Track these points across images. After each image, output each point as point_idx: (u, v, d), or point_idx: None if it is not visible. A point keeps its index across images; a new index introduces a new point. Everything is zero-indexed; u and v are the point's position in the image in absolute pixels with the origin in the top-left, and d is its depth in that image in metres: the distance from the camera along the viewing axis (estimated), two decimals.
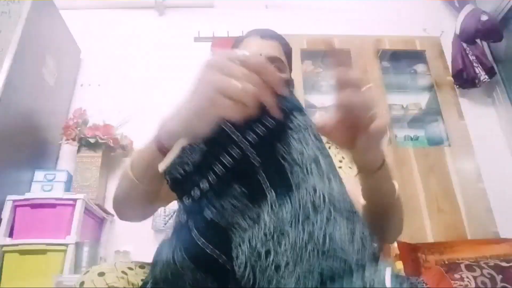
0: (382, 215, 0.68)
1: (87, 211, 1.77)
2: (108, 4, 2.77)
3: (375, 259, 0.47)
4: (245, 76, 0.47)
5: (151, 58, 2.57)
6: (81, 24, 2.55)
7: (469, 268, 1.59)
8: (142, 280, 0.68)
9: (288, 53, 0.99)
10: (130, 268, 0.69)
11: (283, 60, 0.95)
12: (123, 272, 0.68)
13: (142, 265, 0.72)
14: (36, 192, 1.80)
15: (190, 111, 0.50)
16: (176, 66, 2.53)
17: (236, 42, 1.03)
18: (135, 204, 0.72)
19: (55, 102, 2.18)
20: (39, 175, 1.88)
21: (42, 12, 1.97)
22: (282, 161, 0.50)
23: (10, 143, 1.74)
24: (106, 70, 2.52)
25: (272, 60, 0.88)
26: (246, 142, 0.50)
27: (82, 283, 0.65)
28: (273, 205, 0.48)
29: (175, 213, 0.75)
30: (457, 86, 2.53)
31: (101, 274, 0.66)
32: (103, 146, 2.06)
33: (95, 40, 2.60)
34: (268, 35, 0.97)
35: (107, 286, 0.64)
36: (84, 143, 2.05)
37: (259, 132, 0.50)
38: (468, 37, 2.48)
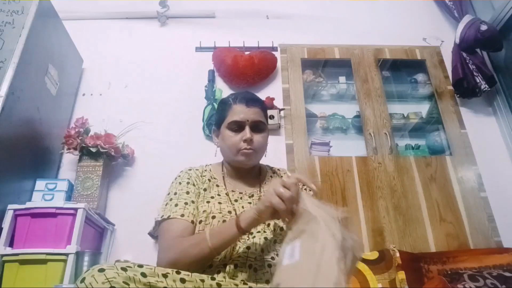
0: None
1: (88, 220, 1.76)
2: (110, 14, 2.80)
3: None
4: (289, 188, 0.86)
5: (153, 68, 2.58)
6: (83, 34, 2.58)
7: (472, 278, 1.58)
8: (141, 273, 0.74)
9: (266, 112, 1.25)
10: (129, 267, 0.75)
11: (264, 121, 1.20)
12: (122, 268, 0.73)
13: (140, 264, 0.77)
14: (37, 201, 1.80)
15: (262, 206, 0.88)
16: (178, 76, 2.55)
17: (224, 107, 1.22)
18: (196, 266, 0.92)
19: (57, 111, 2.19)
20: (40, 184, 1.88)
21: (45, 22, 1.99)
22: None
23: (12, 152, 1.74)
24: (108, 80, 2.53)
25: (257, 123, 1.17)
26: None
27: (83, 279, 0.71)
28: None
29: None
30: (458, 95, 2.54)
31: (101, 270, 0.72)
32: (105, 155, 2.07)
33: (97, 50, 2.62)
34: (251, 102, 1.18)
35: (106, 280, 0.69)
36: (86, 152, 2.05)
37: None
38: (468, 46, 2.49)
